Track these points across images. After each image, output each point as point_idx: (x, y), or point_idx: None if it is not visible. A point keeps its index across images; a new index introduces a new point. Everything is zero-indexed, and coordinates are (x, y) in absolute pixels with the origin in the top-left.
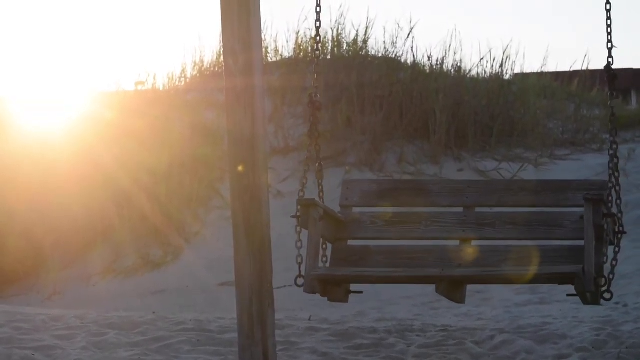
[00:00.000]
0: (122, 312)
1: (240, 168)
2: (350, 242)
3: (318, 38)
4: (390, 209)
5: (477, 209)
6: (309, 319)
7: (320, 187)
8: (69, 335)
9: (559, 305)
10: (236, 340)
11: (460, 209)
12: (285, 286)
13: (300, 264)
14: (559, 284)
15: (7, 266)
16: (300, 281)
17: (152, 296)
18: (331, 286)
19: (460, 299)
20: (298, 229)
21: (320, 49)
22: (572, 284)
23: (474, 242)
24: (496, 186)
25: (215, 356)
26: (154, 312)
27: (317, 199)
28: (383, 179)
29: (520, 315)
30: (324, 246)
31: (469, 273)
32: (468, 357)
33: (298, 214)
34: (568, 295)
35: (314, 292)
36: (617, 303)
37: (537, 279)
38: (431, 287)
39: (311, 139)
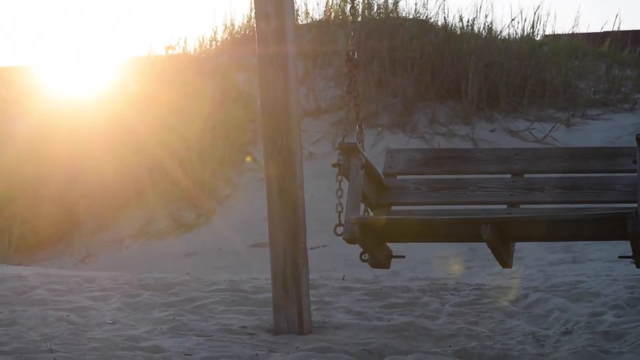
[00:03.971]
0: (156, 273)
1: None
2: (394, 209)
3: None
4: (435, 176)
5: (526, 175)
6: (343, 279)
7: (362, 148)
8: (104, 296)
9: (592, 264)
10: (270, 300)
11: (508, 175)
12: (318, 247)
13: (340, 213)
14: (609, 237)
15: (40, 230)
16: (340, 230)
17: (185, 258)
18: (372, 242)
19: (507, 258)
20: (339, 177)
21: (355, 6)
22: (625, 229)
23: (522, 207)
24: (546, 153)
25: (250, 316)
26: (187, 274)
27: (358, 145)
28: (428, 148)
29: (553, 273)
30: (366, 212)
31: (515, 215)
32: (502, 315)
33: (339, 161)
34: (620, 257)
35: (353, 240)
36: None
37: (587, 224)
38: (465, 247)
39: (350, 98)
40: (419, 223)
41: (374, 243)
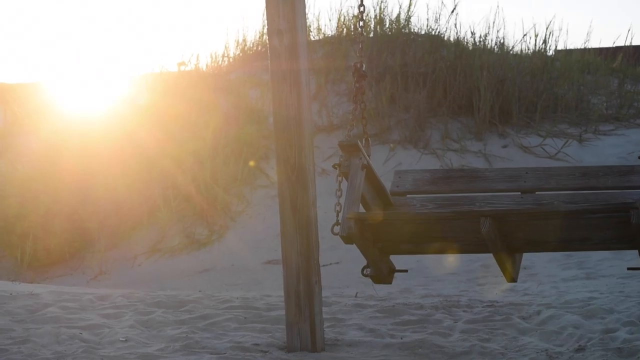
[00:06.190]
0: (169, 290)
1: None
2: None
3: (362, 8)
4: (443, 195)
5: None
6: (356, 296)
7: (364, 153)
8: (116, 314)
9: (605, 280)
10: (283, 317)
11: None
12: (331, 264)
13: (338, 212)
14: (613, 236)
15: (53, 247)
16: (337, 229)
17: (197, 275)
18: (370, 243)
19: (512, 269)
20: (339, 178)
21: (364, 19)
22: (629, 218)
23: None
24: (557, 172)
25: (263, 333)
26: (200, 291)
27: (360, 144)
28: (436, 169)
29: (566, 290)
30: None
31: (516, 208)
32: (515, 332)
33: (340, 161)
34: (630, 269)
35: (350, 238)
36: None
37: (591, 213)
38: (477, 263)
39: (357, 107)
40: (415, 218)
41: (374, 250)
